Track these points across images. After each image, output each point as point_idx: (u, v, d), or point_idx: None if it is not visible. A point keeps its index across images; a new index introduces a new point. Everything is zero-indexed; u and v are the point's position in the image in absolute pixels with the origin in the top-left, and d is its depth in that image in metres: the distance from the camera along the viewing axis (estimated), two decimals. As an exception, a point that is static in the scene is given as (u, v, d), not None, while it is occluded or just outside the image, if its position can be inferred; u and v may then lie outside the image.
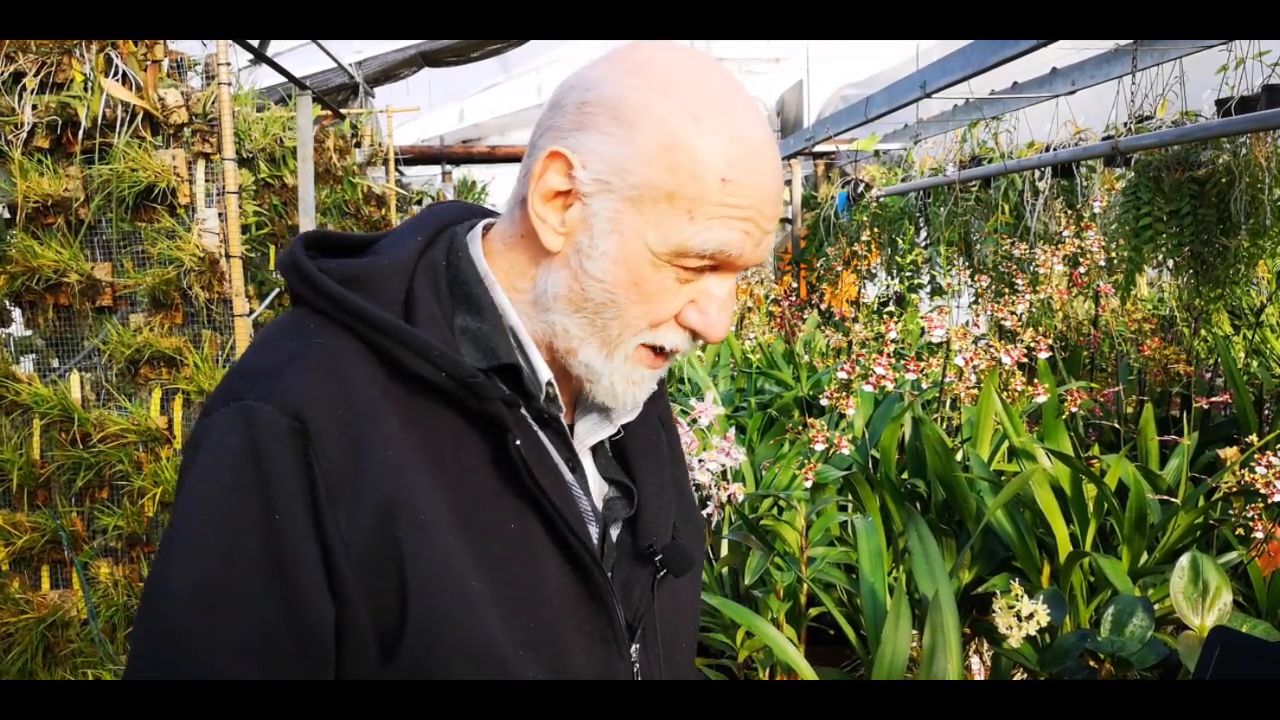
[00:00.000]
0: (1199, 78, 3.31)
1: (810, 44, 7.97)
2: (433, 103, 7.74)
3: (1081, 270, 3.81)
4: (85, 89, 2.59)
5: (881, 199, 5.96)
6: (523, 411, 0.80)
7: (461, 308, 0.80)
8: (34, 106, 2.58)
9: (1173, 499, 2.12)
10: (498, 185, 8.67)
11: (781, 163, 0.84)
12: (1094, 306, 3.80)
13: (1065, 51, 4.46)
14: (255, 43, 3.35)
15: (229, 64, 2.61)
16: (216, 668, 0.68)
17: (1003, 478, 2.30)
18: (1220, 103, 2.99)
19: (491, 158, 7.92)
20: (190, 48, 3.03)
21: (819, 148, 6.65)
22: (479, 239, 0.85)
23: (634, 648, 0.84)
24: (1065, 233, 4.18)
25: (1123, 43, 3.64)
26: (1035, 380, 2.68)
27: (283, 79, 3.57)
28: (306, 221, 3.45)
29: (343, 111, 5.06)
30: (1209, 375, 3.37)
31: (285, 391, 0.72)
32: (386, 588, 0.71)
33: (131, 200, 2.60)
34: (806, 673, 1.76)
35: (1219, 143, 3.06)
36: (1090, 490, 2.10)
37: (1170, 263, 3.34)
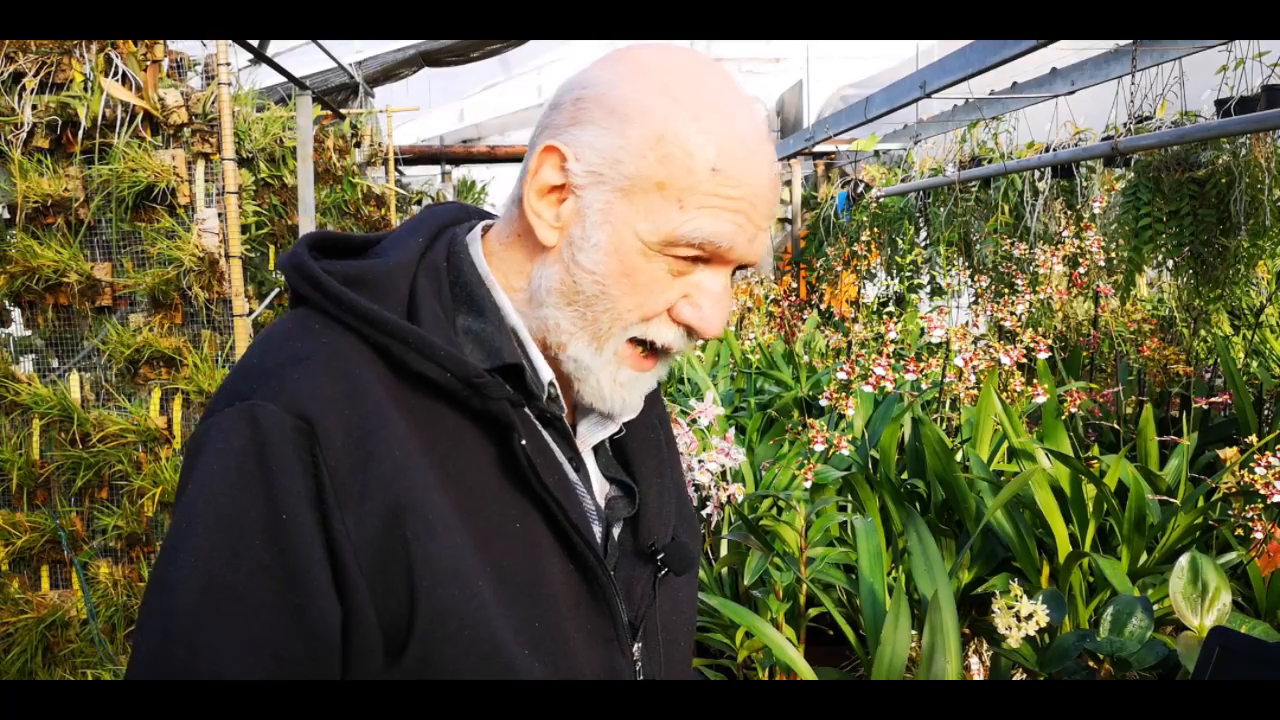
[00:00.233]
0: (1199, 78, 3.31)
1: (810, 44, 7.98)
2: (432, 103, 7.75)
3: (1081, 271, 3.81)
4: (85, 89, 2.59)
5: (881, 199, 5.96)
6: (526, 411, 0.80)
7: (463, 309, 0.81)
8: (34, 106, 2.58)
9: (1172, 499, 2.12)
10: (498, 185, 8.67)
11: (778, 162, 0.84)
12: (1093, 307, 3.80)
13: (1065, 52, 4.46)
14: (255, 43, 3.35)
15: (229, 64, 2.61)
16: (220, 669, 0.68)
17: (1002, 478, 2.30)
18: (1220, 103, 2.99)
19: (491, 158, 7.93)
20: (190, 48, 3.03)
21: (819, 148, 6.65)
22: (479, 240, 0.85)
23: (636, 646, 0.84)
24: (1065, 233, 4.18)
25: (1122, 43, 3.64)
26: (1035, 381, 2.68)
27: (283, 79, 3.58)
28: (306, 221, 3.45)
29: (342, 111, 5.06)
30: (1208, 375, 3.37)
31: (291, 391, 0.72)
32: (394, 587, 0.71)
33: (131, 200, 2.60)
34: (806, 673, 1.76)
35: (1219, 143, 3.06)
36: (1090, 490, 2.10)
37: (1170, 263, 3.35)
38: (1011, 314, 3.39)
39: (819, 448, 2.37)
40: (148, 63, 2.65)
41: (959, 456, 2.37)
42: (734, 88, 0.79)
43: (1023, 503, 2.14)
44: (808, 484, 2.16)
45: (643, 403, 0.88)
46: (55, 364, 2.75)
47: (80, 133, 2.60)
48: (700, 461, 2.07)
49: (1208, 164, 3.10)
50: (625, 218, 0.76)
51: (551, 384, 0.81)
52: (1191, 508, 2.08)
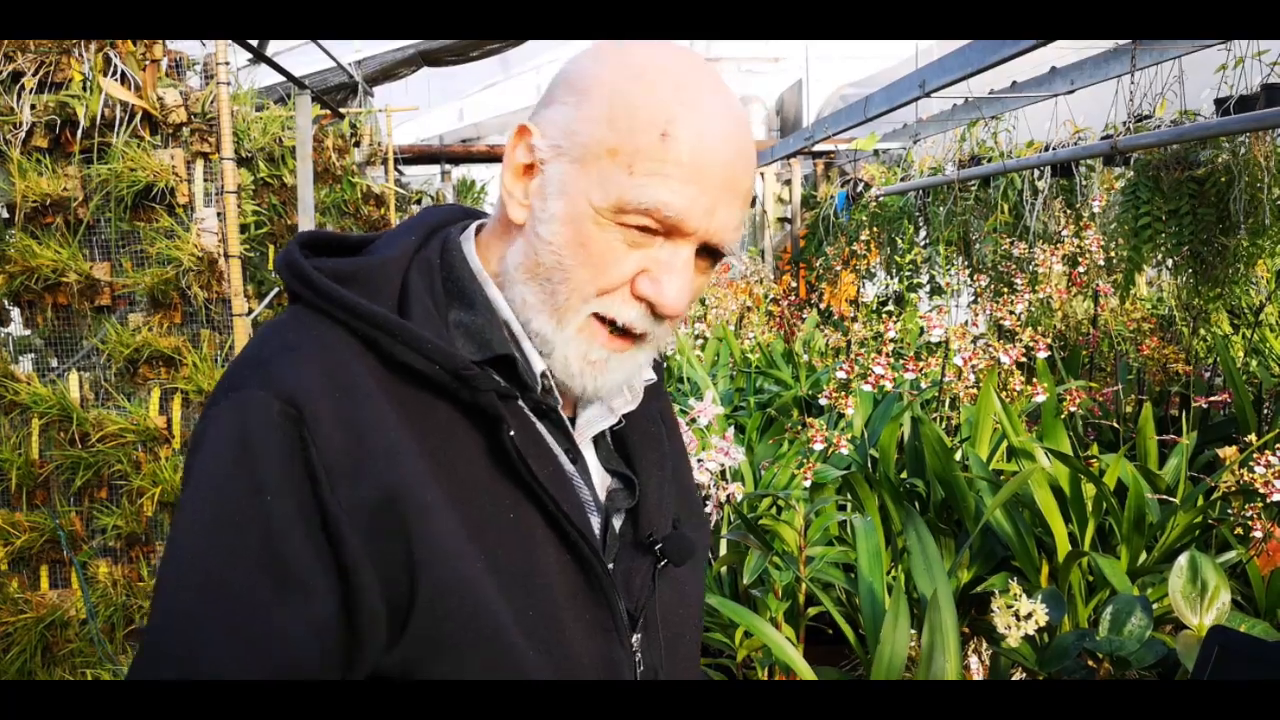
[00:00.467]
0: (1198, 77, 3.31)
1: (810, 44, 7.98)
2: (432, 102, 7.75)
3: (1080, 270, 3.81)
4: (84, 88, 2.59)
5: (881, 198, 5.96)
6: (519, 403, 0.80)
7: (455, 303, 0.81)
8: (33, 106, 2.58)
9: (1171, 498, 2.12)
10: (497, 185, 8.64)
11: (747, 137, 0.84)
12: (1093, 306, 3.80)
13: (1064, 51, 4.46)
14: (254, 42, 3.34)
15: (228, 63, 2.61)
16: (220, 669, 0.68)
17: (1001, 477, 2.30)
18: (1219, 102, 2.99)
19: (491, 157, 7.93)
20: (189, 47, 3.03)
21: (818, 147, 6.65)
22: (472, 238, 0.86)
23: (635, 637, 0.84)
24: (1064, 232, 4.19)
25: (1122, 42, 3.64)
26: (1034, 380, 2.68)
27: (282, 78, 3.57)
28: (305, 221, 3.45)
29: (342, 111, 5.06)
30: (1208, 374, 3.37)
31: (279, 379, 0.73)
32: (394, 559, 0.71)
33: (130, 200, 2.60)
34: (805, 672, 1.76)
35: (1218, 142, 3.06)
36: (1089, 490, 2.11)
37: (1169, 262, 3.35)
38: (1011, 313, 3.39)
39: (818, 447, 2.37)
40: (147, 62, 2.65)
41: (958, 456, 2.37)
42: (704, 69, 0.79)
43: (1022, 502, 2.15)
44: (807, 483, 2.16)
45: (640, 392, 0.89)
46: (54, 363, 2.75)
47: (79, 132, 2.60)
48: (700, 460, 2.07)
49: (1207, 163, 3.11)
50: (580, 187, 0.76)
51: (545, 375, 0.81)
52: (1191, 507, 2.08)
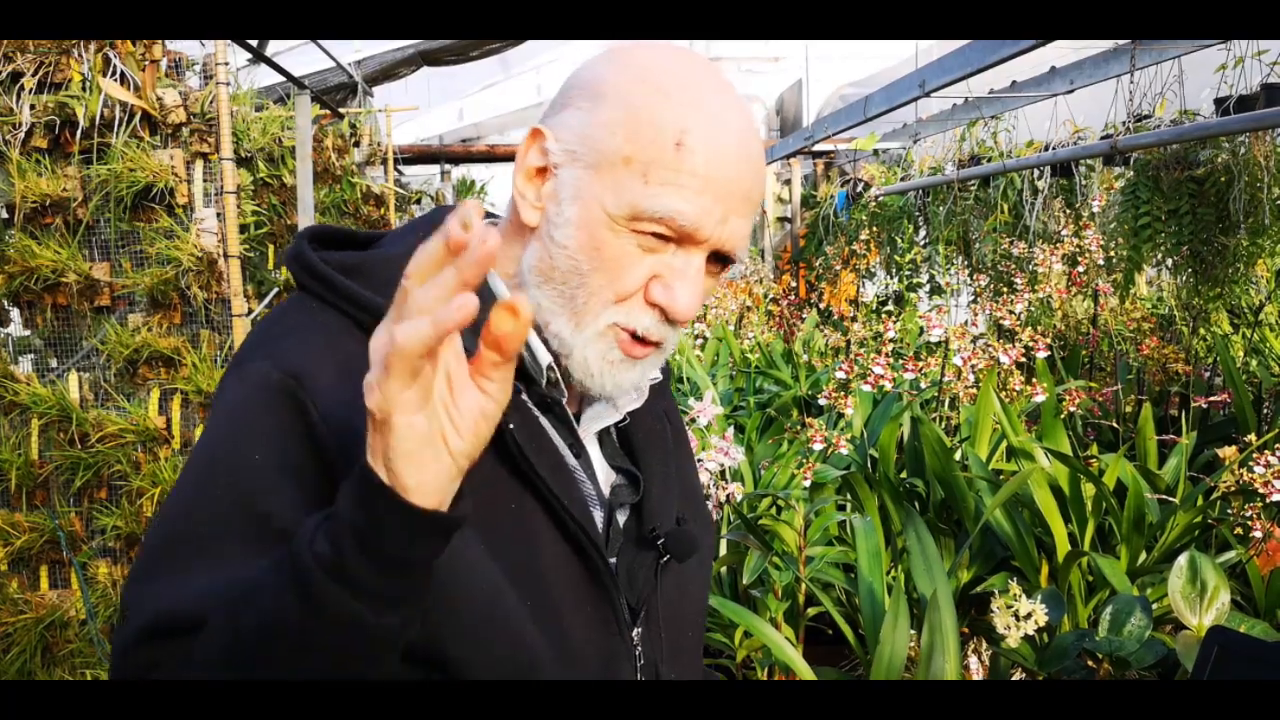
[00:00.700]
0: (1197, 77, 3.31)
1: (810, 44, 7.97)
2: (431, 102, 7.74)
3: (1080, 269, 3.81)
4: (83, 89, 2.59)
5: (880, 198, 5.96)
6: (523, 396, 0.81)
7: None
8: (32, 106, 2.58)
9: (1171, 498, 2.12)
10: (497, 184, 8.65)
11: (758, 146, 0.85)
12: (1093, 305, 3.80)
13: (1064, 51, 4.46)
14: (254, 42, 3.34)
15: (227, 64, 2.61)
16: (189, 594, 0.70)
17: (1001, 477, 2.30)
18: (1219, 102, 2.99)
19: (491, 157, 7.93)
20: (189, 47, 3.02)
21: (818, 147, 6.65)
22: None
23: (635, 631, 0.85)
24: (1064, 232, 4.18)
25: (1121, 42, 3.64)
26: (1034, 379, 2.68)
27: (281, 78, 3.57)
28: (305, 221, 3.45)
29: (341, 111, 5.06)
30: (1208, 374, 3.37)
31: (282, 352, 0.76)
32: None
33: (129, 200, 2.60)
34: (805, 672, 1.76)
35: (1218, 142, 3.06)
36: (1089, 489, 2.10)
37: (1169, 262, 3.35)
38: (1010, 313, 3.39)
39: (818, 447, 2.37)
40: (146, 62, 2.65)
41: (958, 455, 2.37)
42: (718, 78, 0.80)
43: (1021, 502, 2.15)
44: (806, 483, 2.16)
45: (646, 390, 0.89)
46: (54, 364, 2.75)
47: (78, 132, 2.60)
48: (699, 461, 2.07)
49: (1207, 163, 3.11)
50: (594, 193, 0.77)
51: (550, 368, 0.82)
52: (1190, 507, 2.08)
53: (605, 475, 0.88)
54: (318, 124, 4.22)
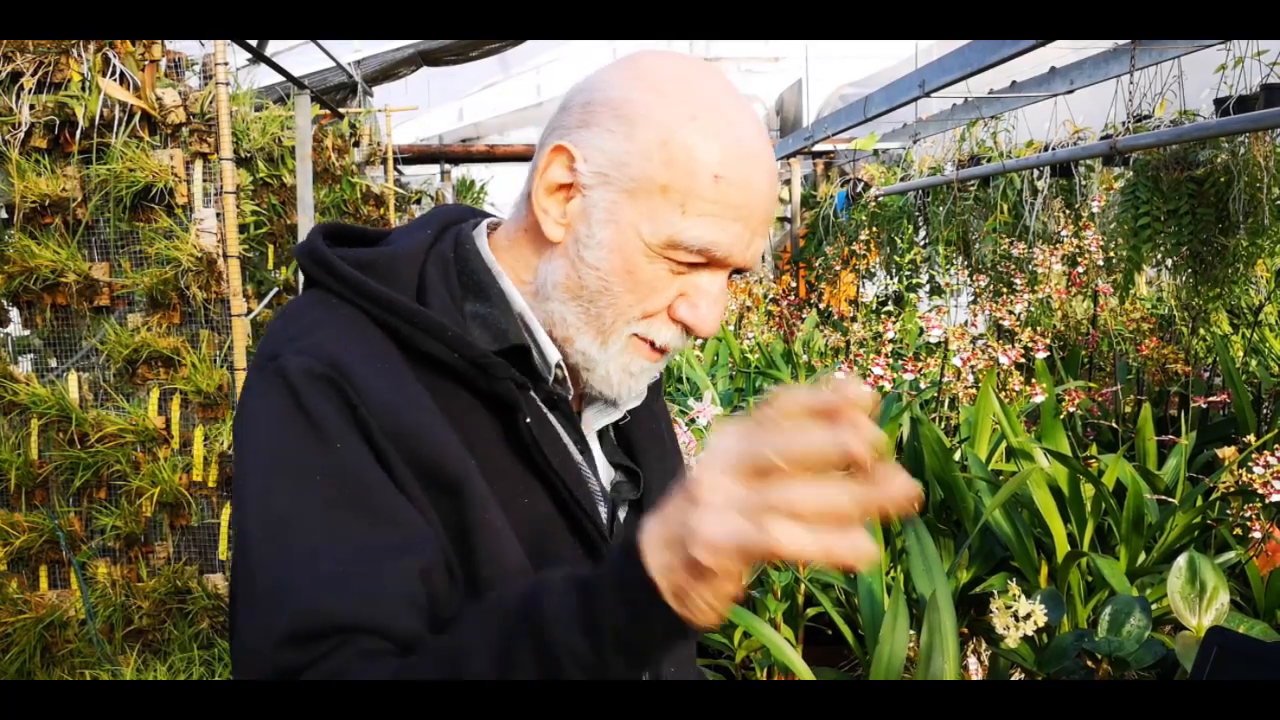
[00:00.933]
0: (1197, 77, 3.31)
1: (809, 44, 7.97)
2: (431, 102, 7.73)
3: (1080, 270, 3.81)
4: (83, 89, 2.59)
5: (880, 198, 5.96)
6: (532, 394, 0.83)
7: (471, 295, 0.84)
8: (31, 106, 2.58)
9: (1170, 499, 2.12)
10: (497, 184, 8.65)
11: (777, 166, 0.88)
12: (1092, 306, 3.80)
13: (1064, 51, 4.46)
14: (253, 42, 3.34)
15: (227, 63, 2.61)
16: (320, 568, 0.69)
17: (1000, 477, 2.30)
18: (1218, 102, 2.99)
19: (490, 157, 7.92)
20: (188, 47, 3.02)
21: (818, 147, 6.65)
22: (484, 234, 0.89)
23: None
24: (1064, 232, 4.18)
25: (1121, 42, 3.64)
26: (1033, 380, 2.68)
27: (281, 78, 3.57)
28: (305, 221, 3.45)
29: (341, 111, 5.06)
30: (1207, 374, 3.37)
31: (318, 345, 0.76)
32: (449, 520, 0.75)
33: (129, 200, 2.60)
34: (804, 673, 1.76)
35: (1217, 142, 3.06)
36: (1088, 490, 2.10)
37: (1169, 262, 3.35)
38: (1010, 313, 3.39)
39: (818, 447, 2.36)
40: (145, 62, 2.65)
41: (957, 456, 2.37)
42: (735, 95, 0.81)
43: (1021, 502, 2.14)
44: (806, 483, 2.15)
45: (646, 390, 0.91)
46: (53, 364, 2.75)
47: (78, 132, 2.60)
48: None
49: (1206, 163, 3.10)
50: (630, 219, 0.78)
51: (559, 366, 0.84)
52: (1190, 507, 2.08)
53: (605, 472, 0.90)
54: (317, 124, 4.21)
